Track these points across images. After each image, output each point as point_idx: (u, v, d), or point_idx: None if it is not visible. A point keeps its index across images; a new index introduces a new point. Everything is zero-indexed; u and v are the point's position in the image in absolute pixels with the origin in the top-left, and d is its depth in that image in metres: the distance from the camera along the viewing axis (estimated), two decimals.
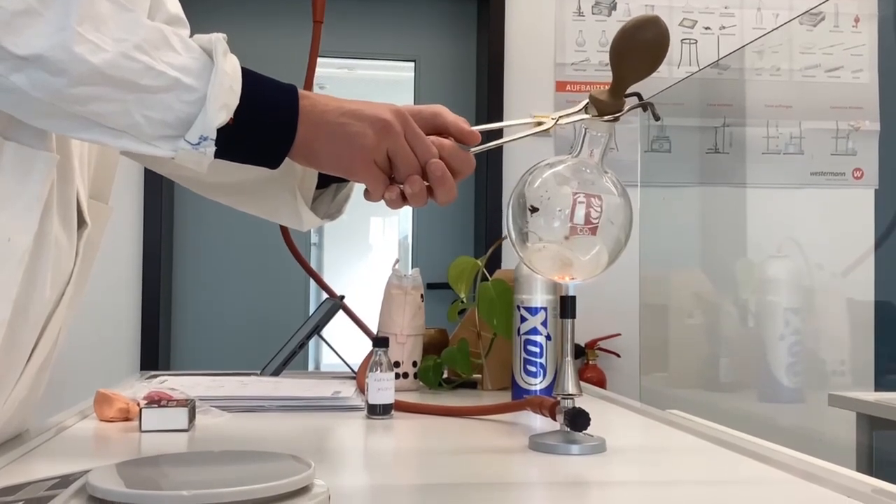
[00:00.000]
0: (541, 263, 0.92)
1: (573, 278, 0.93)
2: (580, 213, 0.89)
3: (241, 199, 1.06)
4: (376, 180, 0.84)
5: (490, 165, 3.08)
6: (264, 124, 0.79)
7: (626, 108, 0.91)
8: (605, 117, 0.90)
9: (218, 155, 0.77)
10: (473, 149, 0.88)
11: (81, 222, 0.92)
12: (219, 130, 0.75)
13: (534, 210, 0.90)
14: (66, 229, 0.88)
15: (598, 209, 0.90)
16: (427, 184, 0.85)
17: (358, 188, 0.96)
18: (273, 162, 0.82)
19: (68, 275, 0.91)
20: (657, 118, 0.93)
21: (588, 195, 0.90)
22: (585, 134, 0.92)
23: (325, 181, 1.01)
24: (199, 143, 0.74)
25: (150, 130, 0.74)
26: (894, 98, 3.16)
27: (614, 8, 3.14)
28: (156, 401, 1.05)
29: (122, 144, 0.75)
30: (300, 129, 0.80)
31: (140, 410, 1.01)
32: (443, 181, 0.85)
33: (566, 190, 0.91)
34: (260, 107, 0.79)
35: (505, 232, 0.96)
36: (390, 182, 0.85)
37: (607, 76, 0.89)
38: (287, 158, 0.83)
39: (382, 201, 0.87)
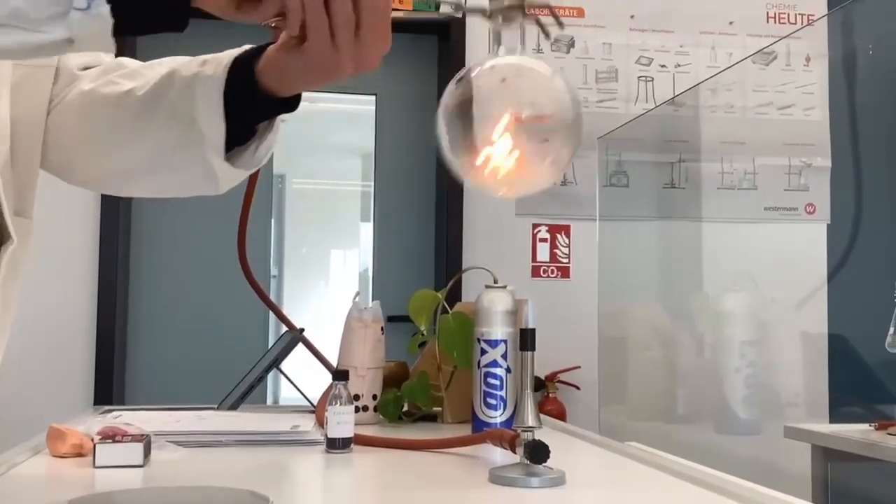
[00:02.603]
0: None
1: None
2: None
3: (154, 181, 1.02)
4: None
5: (451, 198, 3.09)
6: None
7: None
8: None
9: (118, 24, 0.70)
10: None
11: (6, 237, 0.91)
12: None
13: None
14: None
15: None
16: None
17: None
18: (179, 11, 0.74)
19: None
20: (560, 24, 0.93)
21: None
22: (500, 43, 0.92)
23: (238, 137, 0.95)
24: (89, 6, 0.69)
25: (35, 13, 0.69)
26: (845, 135, 3.25)
27: (573, 45, 3.19)
28: (110, 436, 1.03)
29: (13, 40, 0.70)
30: None
31: (94, 446, 0.99)
32: None
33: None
34: None
35: (445, 152, 0.91)
36: None
37: None
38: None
39: None
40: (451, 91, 0.91)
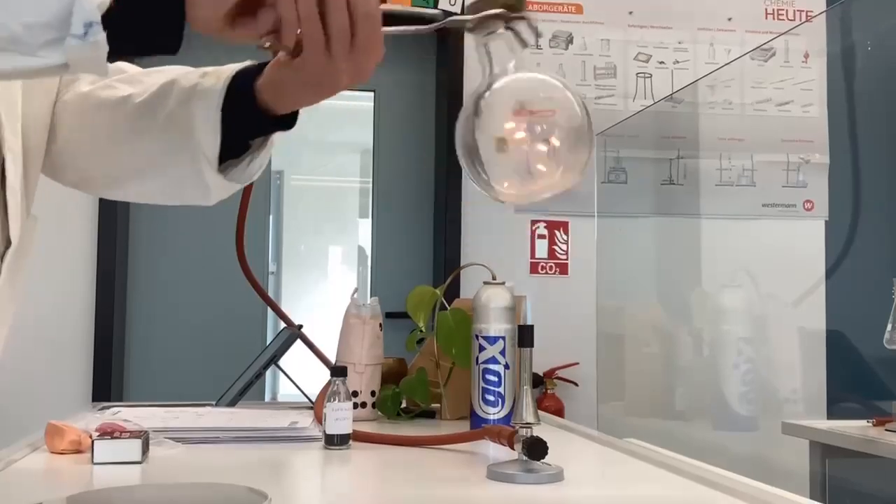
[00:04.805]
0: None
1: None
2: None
3: (144, 188, 1.02)
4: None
5: (449, 194, 3.09)
6: None
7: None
8: (489, 11, 0.90)
9: (113, 48, 0.71)
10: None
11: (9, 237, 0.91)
12: (105, 19, 0.70)
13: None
14: None
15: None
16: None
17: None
18: (173, 34, 0.74)
19: None
20: (537, 34, 0.90)
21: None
22: (489, 53, 0.92)
23: (233, 149, 0.95)
24: (86, 33, 0.70)
25: (32, 39, 0.70)
26: (843, 132, 3.25)
27: (571, 42, 3.19)
28: (108, 432, 1.03)
29: (11, 64, 0.71)
30: None
31: (92, 442, 0.99)
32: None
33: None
34: None
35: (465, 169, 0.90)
36: None
37: None
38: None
39: None
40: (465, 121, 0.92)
